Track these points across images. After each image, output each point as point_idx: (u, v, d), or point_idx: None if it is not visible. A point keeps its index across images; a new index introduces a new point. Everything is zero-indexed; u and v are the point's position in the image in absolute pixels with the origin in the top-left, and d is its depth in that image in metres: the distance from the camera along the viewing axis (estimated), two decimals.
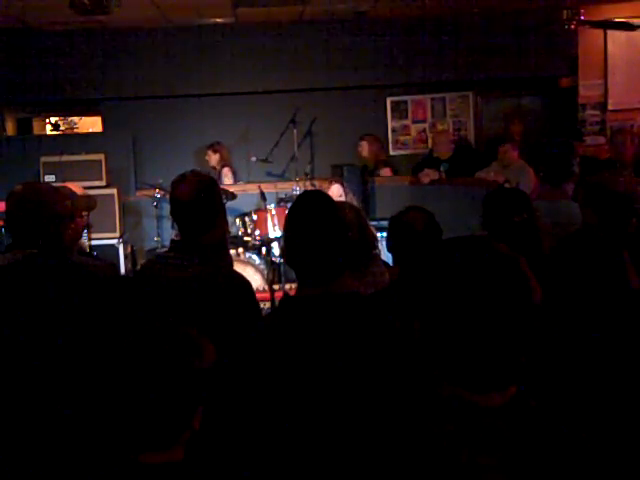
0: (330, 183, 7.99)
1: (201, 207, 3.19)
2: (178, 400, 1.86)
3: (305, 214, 2.56)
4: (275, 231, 7.77)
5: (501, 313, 1.49)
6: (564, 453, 1.53)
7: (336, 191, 7.59)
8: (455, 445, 1.46)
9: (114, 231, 8.03)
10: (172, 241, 3.38)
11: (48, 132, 12.02)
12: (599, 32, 9.86)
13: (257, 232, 7.84)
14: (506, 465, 1.45)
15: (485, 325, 1.48)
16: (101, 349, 2.50)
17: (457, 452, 1.46)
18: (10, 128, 10.51)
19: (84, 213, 4.16)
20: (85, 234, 4.38)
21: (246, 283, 3.21)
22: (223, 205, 3.33)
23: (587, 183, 3.85)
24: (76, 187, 4.48)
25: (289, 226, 2.61)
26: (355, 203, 6.71)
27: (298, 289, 2.54)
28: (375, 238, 3.78)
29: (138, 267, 8.49)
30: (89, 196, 4.48)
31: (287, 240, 2.62)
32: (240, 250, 7.56)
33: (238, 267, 3.58)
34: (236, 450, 2.24)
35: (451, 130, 10.09)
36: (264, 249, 7.79)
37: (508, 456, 1.46)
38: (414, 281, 1.60)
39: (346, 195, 7.18)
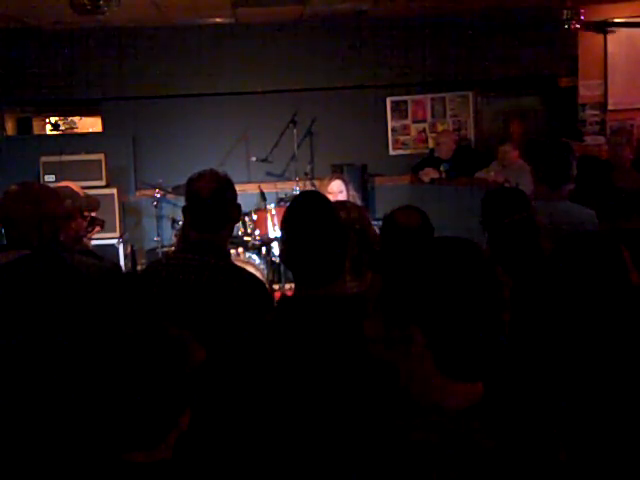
0: (330, 179, 8.00)
1: (220, 205, 3.17)
2: (165, 401, 1.86)
3: (302, 215, 2.56)
4: (275, 231, 7.78)
5: (472, 306, 1.54)
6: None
7: (336, 187, 7.58)
8: (424, 453, 1.48)
9: (114, 231, 8.03)
10: (179, 241, 3.36)
11: (48, 132, 12.01)
12: (599, 31, 9.87)
13: (257, 232, 7.85)
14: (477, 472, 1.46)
15: (456, 317, 1.53)
16: (89, 349, 2.49)
17: (427, 462, 1.46)
18: (10, 128, 10.50)
19: (86, 213, 4.15)
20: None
21: (260, 282, 3.21)
22: (239, 206, 3.32)
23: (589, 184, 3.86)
24: (74, 187, 4.48)
25: (286, 227, 2.61)
26: (357, 199, 6.72)
27: (296, 290, 2.54)
28: (377, 237, 3.78)
29: (139, 267, 8.51)
30: (90, 196, 4.47)
31: (284, 241, 2.62)
32: (240, 250, 7.56)
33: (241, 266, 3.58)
34: (225, 450, 2.24)
35: (451, 130, 10.09)
36: (264, 249, 7.79)
37: (479, 463, 1.47)
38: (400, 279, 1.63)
39: (347, 191, 7.19)
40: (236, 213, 3.31)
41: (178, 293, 3.06)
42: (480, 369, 1.58)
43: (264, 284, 3.25)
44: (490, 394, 1.60)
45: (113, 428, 1.85)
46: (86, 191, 4.66)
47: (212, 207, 3.15)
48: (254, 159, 9.25)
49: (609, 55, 9.89)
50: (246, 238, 7.79)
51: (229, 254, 3.40)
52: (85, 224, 4.14)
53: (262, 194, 8.35)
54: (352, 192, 7.04)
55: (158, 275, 3.23)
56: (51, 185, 4.36)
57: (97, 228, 4.29)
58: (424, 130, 10.29)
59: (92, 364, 1.93)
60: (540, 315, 2.66)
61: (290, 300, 2.52)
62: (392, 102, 10.24)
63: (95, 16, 7.12)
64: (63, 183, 4.44)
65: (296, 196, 2.84)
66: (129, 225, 9.04)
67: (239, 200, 3.31)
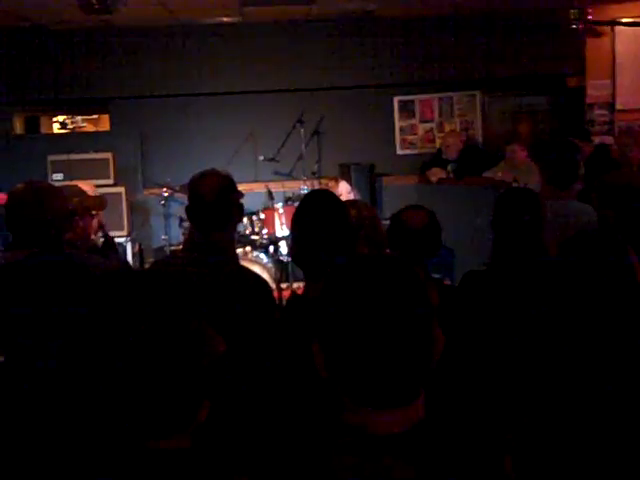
0: (337, 181, 8.01)
1: (222, 206, 3.18)
2: (185, 392, 1.89)
3: (312, 213, 2.58)
4: (282, 230, 7.80)
5: (397, 323, 1.41)
6: None
7: (345, 188, 7.61)
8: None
9: (122, 229, 8.05)
10: (186, 241, 3.37)
11: (56, 131, 12.05)
12: (607, 32, 9.85)
13: (265, 231, 7.87)
14: None
15: (381, 336, 1.41)
16: (104, 345, 2.51)
17: None
18: (18, 127, 10.54)
19: (94, 212, 4.16)
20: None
21: (263, 281, 3.21)
22: (241, 205, 3.31)
23: (603, 184, 3.85)
24: (88, 186, 4.49)
25: (296, 225, 2.62)
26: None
27: (305, 288, 2.55)
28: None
29: (147, 265, 8.52)
30: (99, 195, 4.49)
31: (294, 239, 2.64)
32: (248, 249, 7.58)
33: (246, 266, 3.58)
34: (241, 440, 2.26)
35: (458, 129, 10.09)
36: (272, 248, 7.81)
37: None
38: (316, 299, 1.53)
39: (354, 192, 7.22)
40: (239, 213, 3.31)
41: (183, 291, 3.07)
42: (397, 395, 1.44)
43: (267, 284, 3.25)
44: (430, 416, 1.47)
45: (137, 417, 1.88)
46: (97, 190, 4.69)
47: (214, 208, 3.15)
48: (261, 158, 9.25)
49: (617, 55, 9.87)
50: (254, 237, 7.81)
51: (235, 253, 3.41)
52: (94, 223, 4.15)
53: (270, 193, 8.37)
54: (355, 194, 7.07)
55: (164, 273, 3.25)
56: (60, 184, 4.38)
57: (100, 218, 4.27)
58: (431, 130, 10.29)
59: (112, 356, 1.95)
60: (548, 316, 2.66)
61: (300, 299, 2.52)
62: (399, 102, 10.24)
63: (103, 15, 7.14)
64: (78, 183, 4.44)
65: (307, 194, 2.85)
66: (137, 223, 9.04)
67: (246, 199, 3.32)
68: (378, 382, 1.42)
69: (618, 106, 9.95)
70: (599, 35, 9.67)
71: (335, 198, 2.66)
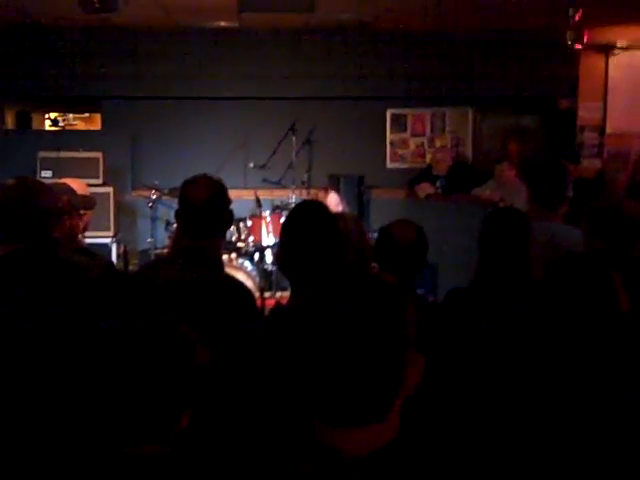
0: (326, 192, 8.01)
1: (212, 212, 3.16)
2: (168, 398, 1.88)
3: (302, 223, 2.57)
4: (269, 238, 7.79)
5: (369, 342, 1.39)
6: None
7: (334, 200, 7.62)
8: None
9: (108, 230, 8.03)
10: (174, 247, 3.34)
11: (47, 127, 12.02)
12: (600, 54, 9.89)
13: (251, 238, 7.86)
14: None
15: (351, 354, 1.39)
16: (87, 345, 2.50)
17: None
18: (9, 121, 10.51)
19: (82, 211, 4.14)
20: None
21: (247, 291, 3.19)
22: (231, 213, 3.30)
23: (594, 210, 3.86)
24: (79, 184, 4.47)
25: (285, 234, 2.62)
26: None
27: (290, 298, 2.54)
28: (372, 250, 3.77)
29: (131, 267, 8.50)
30: (88, 195, 4.46)
31: (282, 248, 2.63)
32: (233, 255, 7.56)
33: (230, 273, 3.57)
34: (223, 447, 2.25)
35: (449, 145, 10.12)
36: (257, 255, 7.80)
37: None
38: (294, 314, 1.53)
39: (342, 205, 7.22)
40: (228, 220, 3.30)
41: (168, 297, 3.05)
42: (359, 414, 1.41)
43: (251, 293, 3.23)
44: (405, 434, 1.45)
45: (117, 422, 1.87)
46: (89, 189, 4.66)
47: (204, 214, 3.12)
48: (251, 165, 9.24)
49: (610, 79, 9.91)
50: (239, 244, 7.80)
51: (221, 261, 3.39)
52: (81, 222, 4.13)
53: (258, 200, 8.35)
54: (344, 206, 7.06)
55: (148, 276, 3.24)
56: (49, 181, 4.35)
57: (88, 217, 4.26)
58: (422, 144, 10.32)
59: (90, 359, 1.95)
60: (530, 337, 2.67)
61: (284, 310, 2.52)
62: (392, 115, 10.27)
63: (103, 14, 7.12)
64: (67, 180, 4.42)
65: (298, 204, 2.84)
66: (123, 225, 9.02)
67: (234, 206, 3.29)
68: (341, 401, 1.40)
69: (608, 130, 9.98)
70: (599, 50, 9.69)
71: (326, 210, 2.66)
